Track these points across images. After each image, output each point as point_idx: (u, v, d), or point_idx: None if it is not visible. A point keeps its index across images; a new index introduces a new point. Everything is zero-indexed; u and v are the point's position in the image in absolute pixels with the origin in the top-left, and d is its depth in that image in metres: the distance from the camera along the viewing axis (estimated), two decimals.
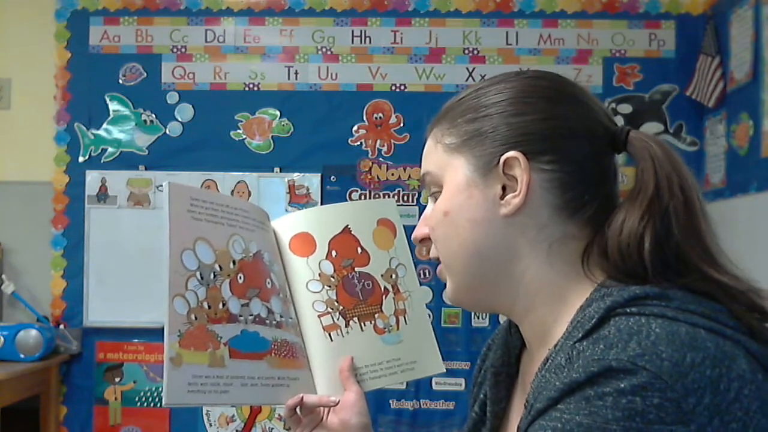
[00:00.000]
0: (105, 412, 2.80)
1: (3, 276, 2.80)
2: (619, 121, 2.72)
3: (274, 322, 0.97)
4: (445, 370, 1.06)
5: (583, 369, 0.59)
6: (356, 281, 1.05)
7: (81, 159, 2.85)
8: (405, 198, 2.83)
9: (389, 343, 1.05)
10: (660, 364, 0.57)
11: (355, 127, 2.85)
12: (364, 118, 2.85)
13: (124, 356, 2.81)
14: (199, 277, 0.90)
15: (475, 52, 2.85)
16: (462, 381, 2.78)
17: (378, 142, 2.84)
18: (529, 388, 0.69)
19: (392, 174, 2.84)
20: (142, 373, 2.81)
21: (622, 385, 0.57)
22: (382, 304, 1.06)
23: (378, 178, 2.84)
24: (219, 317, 0.91)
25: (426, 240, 0.80)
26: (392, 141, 2.84)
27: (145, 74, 2.87)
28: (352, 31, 2.87)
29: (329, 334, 1.02)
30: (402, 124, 2.84)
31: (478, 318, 2.79)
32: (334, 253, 1.06)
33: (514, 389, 0.84)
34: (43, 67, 2.87)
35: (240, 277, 0.95)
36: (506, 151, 0.72)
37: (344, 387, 0.99)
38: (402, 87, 2.86)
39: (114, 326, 2.79)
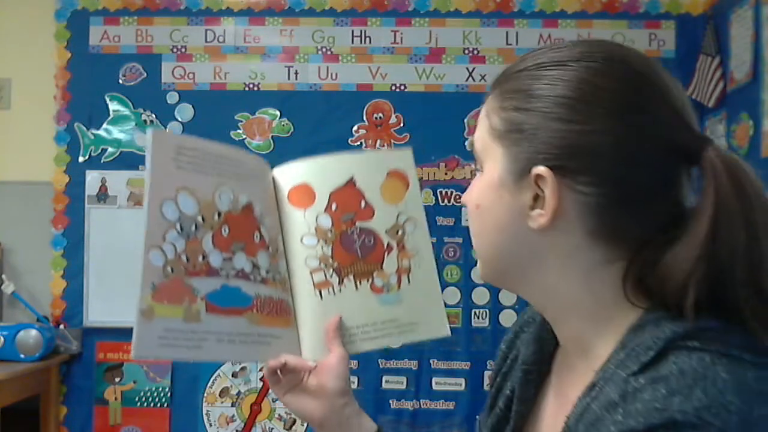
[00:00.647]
0: (105, 412, 2.80)
1: (3, 276, 2.80)
2: None
3: (258, 278, 0.93)
4: (450, 334, 1.00)
5: (643, 418, 0.54)
6: (355, 237, 1.00)
7: (81, 159, 2.85)
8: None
9: (387, 303, 0.99)
10: (728, 418, 0.53)
11: (355, 127, 2.85)
12: (364, 118, 2.85)
13: (124, 356, 2.81)
14: (178, 229, 0.86)
15: (475, 52, 2.85)
16: (462, 381, 2.78)
17: (378, 142, 2.84)
18: (567, 400, 0.66)
19: None
20: (142, 373, 2.81)
21: None
22: (382, 261, 1.00)
23: None
24: (198, 270, 0.87)
25: None
26: (392, 141, 2.84)
27: (145, 74, 2.87)
28: (352, 31, 2.87)
29: (320, 292, 0.98)
30: (402, 124, 2.84)
31: (478, 318, 2.79)
32: (334, 207, 1.00)
33: (545, 387, 0.78)
34: (43, 67, 2.86)
35: (224, 230, 0.91)
36: (540, 163, 0.65)
37: (328, 348, 0.94)
38: (402, 87, 2.86)
39: (114, 326, 2.78)
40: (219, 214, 0.91)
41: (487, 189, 0.70)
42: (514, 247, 0.69)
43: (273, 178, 1.01)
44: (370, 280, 0.99)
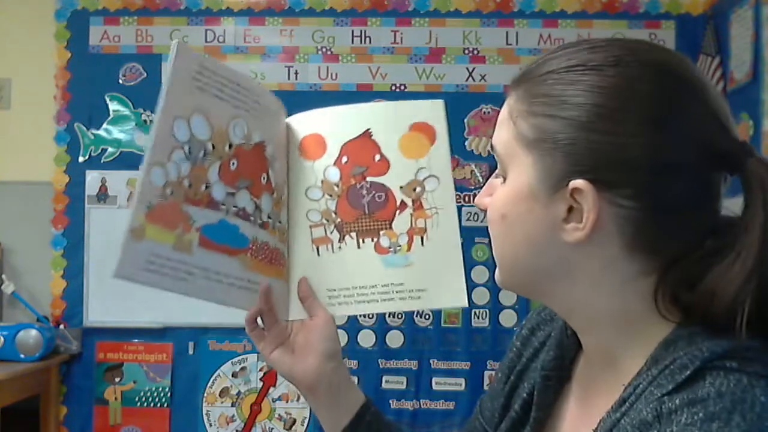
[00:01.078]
0: (105, 412, 2.80)
1: (3, 276, 2.80)
2: None
3: (259, 221, 0.88)
4: (466, 305, 0.91)
5: None
6: (365, 192, 0.93)
7: (81, 159, 2.85)
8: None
9: (392, 265, 0.91)
10: None
11: None
12: None
13: (124, 356, 2.81)
14: (186, 151, 0.80)
15: (475, 52, 2.85)
16: (462, 381, 2.78)
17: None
18: (591, 409, 0.65)
19: None
20: (142, 373, 2.81)
21: None
22: (393, 219, 0.92)
23: None
24: (198, 199, 0.81)
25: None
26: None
27: (145, 74, 2.87)
28: (352, 31, 2.87)
29: (317, 248, 0.91)
30: None
31: (478, 318, 2.79)
32: (344, 159, 0.93)
33: (564, 393, 0.76)
34: (43, 67, 2.86)
35: (233, 163, 0.85)
36: (578, 176, 0.62)
37: (309, 314, 0.89)
38: (402, 87, 2.85)
39: (114, 326, 2.78)
40: (230, 146, 0.86)
41: (515, 199, 0.67)
42: (543, 260, 0.67)
43: (288, 125, 0.96)
44: (376, 239, 0.92)
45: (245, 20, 2.88)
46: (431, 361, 2.78)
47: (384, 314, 2.72)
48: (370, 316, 2.72)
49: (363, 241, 0.92)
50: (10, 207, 2.87)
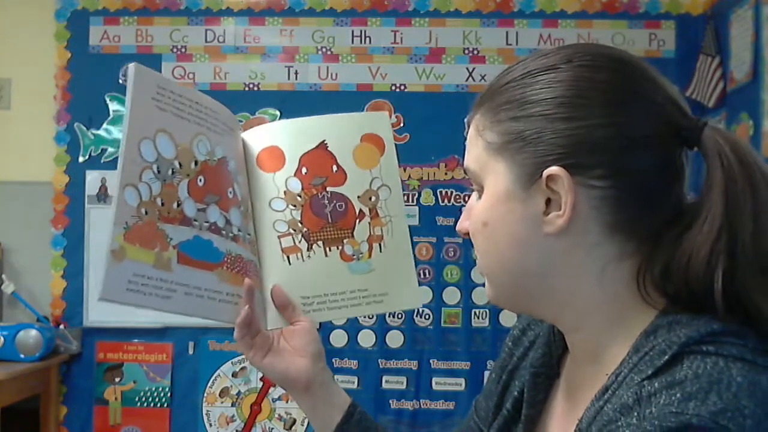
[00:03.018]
0: (105, 412, 2.80)
1: (3, 276, 2.80)
2: None
3: (230, 235, 0.89)
4: (421, 305, 0.97)
5: (658, 422, 0.54)
6: (326, 201, 0.96)
7: (81, 159, 2.85)
8: (405, 198, 2.83)
9: (357, 271, 0.95)
10: (743, 422, 0.53)
11: None
12: None
13: (124, 356, 2.81)
14: (155, 171, 0.82)
15: (475, 52, 2.85)
16: (462, 381, 2.78)
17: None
18: (578, 402, 0.66)
19: None
20: (142, 373, 2.81)
21: None
22: (354, 228, 0.96)
23: None
24: (172, 217, 0.83)
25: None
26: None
27: None
28: (352, 31, 2.87)
29: (287, 257, 0.94)
30: (402, 124, 2.84)
31: (478, 318, 2.79)
32: (304, 170, 0.96)
33: (553, 390, 0.78)
34: (43, 67, 2.86)
35: (200, 180, 0.87)
36: (550, 164, 0.64)
37: (289, 320, 0.92)
38: (402, 87, 2.85)
39: (114, 326, 2.78)
40: (196, 163, 0.87)
41: (495, 204, 0.68)
42: (530, 258, 0.68)
43: (243, 140, 0.98)
44: (341, 248, 0.95)
45: (245, 20, 2.88)
46: (431, 361, 2.78)
47: (384, 314, 2.73)
48: (370, 316, 2.72)
49: (330, 249, 0.95)
50: (10, 207, 2.87)
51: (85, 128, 2.85)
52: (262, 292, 0.93)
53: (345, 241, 0.96)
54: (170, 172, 0.84)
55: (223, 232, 0.88)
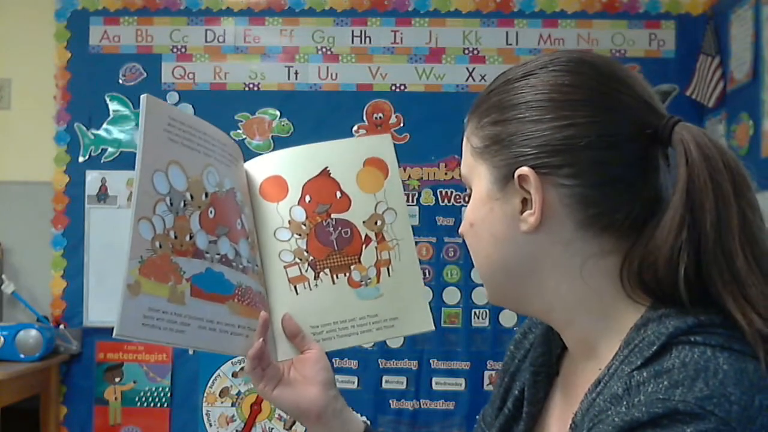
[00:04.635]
0: (105, 412, 2.80)
1: (3, 276, 2.80)
2: None
3: (240, 266, 0.89)
4: (434, 328, 0.96)
5: (646, 408, 0.55)
6: (331, 229, 0.96)
7: (81, 159, 2.85)
8: (405, 198, 2.83)
9: (365, 297, 0.95)
10: (729, 408, 0.54)
11: (355, 127, 2.85)
12: (364, 118, 2.85)
13: (124, 356, 2.81)
14: (168, 203, 0.82)
15: (475, 52, 2.85)
16: (462, 381, 2.78)
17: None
18: (574, 399, 0.67)
19: None
20: (142, 373, 2.81)
21: (689, 431, 0.54)
22: (360, 254, 0.96)
23: None
24: (184, 250, 0.83)
25: None
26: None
27: (145, 74, 2.87)
28: (352, 31, 2.87)
29: (295, 287, 0.94)
30: (402, 124, 2.84)
31: (478, 318, 2.79)
32: (307, 199, 0.96)
33: (552, 389, 0.80)
34: (43, 67, 2.86)
35: (211, 212, 0.87)
36: (520, 165, 0.67)
37: (299, 350, 0.92)
38: (402, 87, 2.85)
39: (114, 326, 2.78)
40: (206, 194, 0.87)
41: (478, 205, 0.72)
42: (511, 256, 0.70)
43: (245, 171, 0.98)
44: (348, 274, 0.95)
45: (245, 20, 2.88)
46: (431, 361, 2.78)
47: None
48: None
49: (337, 277, 0.95)
50: (10, 207, 2.87)
51: (85, 128, 2.85)
52: (272, 324, 0.93)
53: (352, 267, 0.95)
54: (182, 204, 0.84)
55: (234, 264, 0.88)
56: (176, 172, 0.84)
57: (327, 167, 0.98)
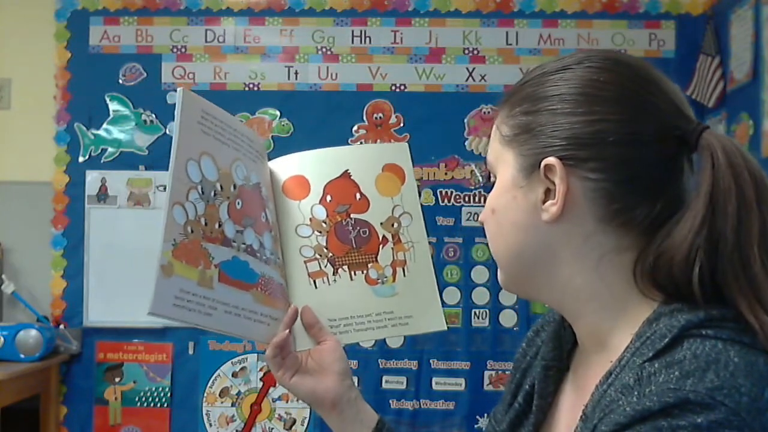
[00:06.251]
0: (105, 412, 2.80)
1: (3, 276, 2.80)
2: None
3: (264, 258, 0.93)
4: (446, 328, 1.00)
5: (657, 397, 0.57)
6: (350, 228, 1.00)
7: (81, 159, 2.85)
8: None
9: (381, 295, 0.99)
10: (739, 399, 0.55)
11: (355, 127, 2.85)
12: (364, 118, 2.85)
13: (124, 356, 2.81)
14: (200, 191, 0.87)
15: (475, 52, 2.85)
16: (462, 381, 2.78)
17: (378, 142, 2.84)
18: (585, 392, 0.68)
19: None
20: (142, 373, 2.81)
21: (699, 420, 0.55)
22: (377, 253, 1.00)
23: None
24: (214, 236, 0.87)
25: None
26: (392, 141, 2.84)
27: (145, 74, 2.87)
28: (352, 31, 2.87)
29: (314, 281, 0.98)
30: (402, 124, 2.84)
31: (478, 318, 2.79)
32: (329, 198, 1.01)
33: (563, 384, 0.81)
34: (43, 67, 2.86)
35: (238, 203, 0.92)
36: (548, 155, 0.68)
37: (317, 341, 0.95)
38: (402, 87, 2.85)
39: (114, 326, 2.78)
40: (234, 186, 0.92)
41: (502, 192, 0.73)
42: (529, 244, 0.72)
43: (270, 169, 1.02)
44: (365, 272, 0.99)
45: (245, 20, 2.88)
46: (431, 361, 2.78)
47: None
48: None
49: (355, 274, 0.99)
50: (10, 207, 2.87)
51: (85, 128, 2.85)
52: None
53: (369, 265, 0.99)
54: (213, 193, 0.88)
55: (258, 255, 0.92)
56: (208, 163, 0.89)
57: (348, 170, 1.02)
